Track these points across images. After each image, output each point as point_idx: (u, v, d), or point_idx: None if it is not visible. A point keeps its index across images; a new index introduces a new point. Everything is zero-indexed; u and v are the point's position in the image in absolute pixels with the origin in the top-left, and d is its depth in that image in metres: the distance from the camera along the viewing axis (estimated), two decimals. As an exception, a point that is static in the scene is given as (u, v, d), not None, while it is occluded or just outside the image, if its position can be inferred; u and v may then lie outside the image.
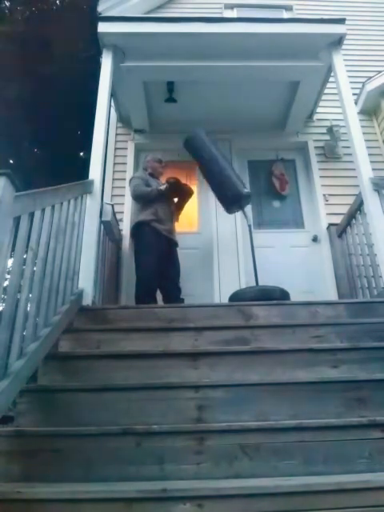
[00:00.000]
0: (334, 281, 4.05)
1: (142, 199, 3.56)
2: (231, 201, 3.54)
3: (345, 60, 3.71)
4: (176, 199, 3.80)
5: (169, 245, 3.56)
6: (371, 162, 3.28)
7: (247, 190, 3.54)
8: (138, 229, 3.50)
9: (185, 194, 3.81)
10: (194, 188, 4.00)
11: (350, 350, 2.15)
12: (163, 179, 3.84)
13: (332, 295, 3.96)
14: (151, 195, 3.52)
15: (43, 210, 1.99)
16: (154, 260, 3.38)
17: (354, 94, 4.03)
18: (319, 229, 4.37)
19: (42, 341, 1.85)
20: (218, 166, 3.53)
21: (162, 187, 3.56)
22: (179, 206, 3.84)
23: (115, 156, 4.64)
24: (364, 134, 3.46)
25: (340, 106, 3.59)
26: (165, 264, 3.48)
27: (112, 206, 3.63)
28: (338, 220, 4.01)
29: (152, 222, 3.45)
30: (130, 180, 3.73)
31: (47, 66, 6.47)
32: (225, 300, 3.47)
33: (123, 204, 4.34)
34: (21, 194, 1.70)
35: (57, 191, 2.22)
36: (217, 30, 3.68)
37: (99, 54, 3.76)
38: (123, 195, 4.40)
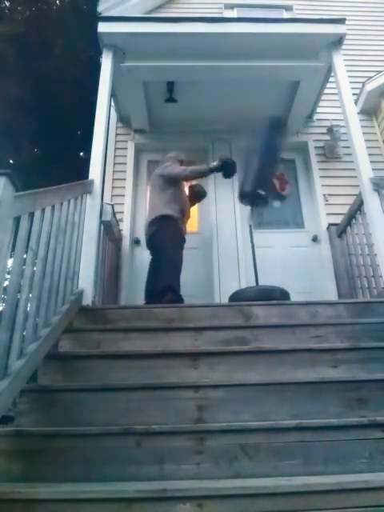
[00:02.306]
0: (333, 281, 4.05)
1: (188, 177, 3.54)
2: (244, 194, 3.54)
3: (345, 60, 3.71)
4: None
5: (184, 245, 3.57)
6: (371, 162, 3.28)
7: (262, 191, 3.52)
8: (165, 221, 3.38)
9: (201, 195, 3.82)
10: (193, 184, 3.98)
11: (350, 349, 2.15)
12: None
13: (332, 295, 3.96)
14: (201, 171, 3.51)
15: (43, 210, 1.99)
16: (181, 252, 3.38)
17: (354, 94, 4.03)
18: (319, 229, 4.37)
19: (41, 341, 1.85)
20: (255, 157, 3.50)
21: (214, 164, 3.51)
22: (192, 204, 3.85)
23: (115, 156, 4.63)
24: (364, 134, 3.46)
25: (340, 105, 3.59)
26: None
27: (112, 206, 3.63)
28: (338, 220, 4.01)
29: (178, 219, 3.44)
30: (166, 166, 3.59)
31: (47, 66, 6.47)
32: (225, 300, 3.47)
33: (123, 204, 4.34)
34: (21, 194, 1.70)
35: (57, 191, 2.22)
36: (217, 30, 3.68)
37: (99, 54, 3.76)
38: (123, 195, 4.41)
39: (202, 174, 3.56)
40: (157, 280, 3.22)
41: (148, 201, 3.73)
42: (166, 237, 3.32)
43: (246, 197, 3.54)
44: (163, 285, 3.14)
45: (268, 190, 3.48)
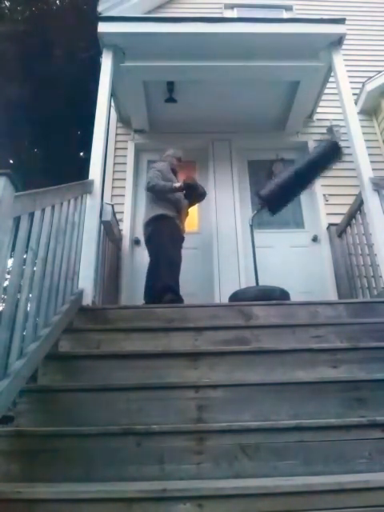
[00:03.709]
0: (333, 281, 4.05)
1: (155, 192, 3.46)
2: (263, 198, 3.49)
3: (345, 60, 3.71)
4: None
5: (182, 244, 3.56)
6: (371, 162, 3.28)
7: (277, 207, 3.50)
8: (161, 220, 3.38)
9: (199, 195, 3.81)
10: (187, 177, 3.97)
11: (350, 350, 2.15)
12: (181, 176, 3.83)
13: (332, 295, 3.96)
14: (165, 189, 3.44)
15: (43, 210, 1.99)
16: (179, 251, 3.38)
17: (354, 94, 4.03)
18: (319, 229, 4.37)
19: (41, 341, 1.85)
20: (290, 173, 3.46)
21: (177, 185, 3.49)
22: (189, 206, 3.84)
23: (115, 156, 4.64)
24: (364, 133, 3.46)
25: (340, 105, 3.59)
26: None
27: (112, 206, 3.63)
28: (338, 220, 4.01)
29: (175, 218, 3.44)
30: (149, 169, 3.61)
31: (47, 66, 6.47)
32: (225, 300, 3.47)
33: (123, 204, 4.35)
34: (21, 194, 1.70)
35: (57, 191, 2.22)
36: (217, 30, 3.68)
37: (99, 54, 3.76)
38: (123, 195, 4.41)
39: (164, 192, 3.46)
40: (156, 280, 3.21)
41: (145, 201, 3.73)
42: (163, 236, 3.33)
43: (260, 197, 3.52)
44: (162, 285, 3.14)
45: (278, 206, 3.46)
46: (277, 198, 3.42)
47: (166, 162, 3.72)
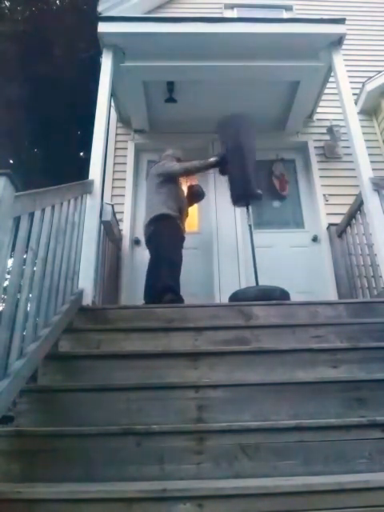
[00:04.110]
0: (334, 281, 4.05)
1: (191, 173, 3.52)
2: (240, 196, 3.52)
3: (345, 60, 3.71)
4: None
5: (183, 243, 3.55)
6: (371, 162, 3.28)
7: (259, 191, 3.51)
8: (162, 220, 3.36)
9: (199, 195, 3.81)
10: (192, 184, 3.98)
11: (350, 350, 2.15)
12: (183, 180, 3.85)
13: (332, 295, 3.96)
14: (202, 167, 3.51)
15: (43, 210, 1.99)
16: (180, 251, 3.38)
17: (354, 94, 4.03)
18: (319, 229, 4.37)
19: (41, 341, 1.85)
20: (240, 158, 3.47)
21: (212, 160, 3.53)
22: (191, 204, 3.83)
23: (115, 156, 4.64)
24: (364, 134, 3.46)
25: (340, 105, 3.59)
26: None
27: (112, 206, 3.63)
28: (338, 220, 4.01)
29: (177, 218, 3.42)
30: (162, 164, 3.58)
31: (47, 66, 6.47)
32: (225, 300, 3.47)
33: (123, 204, 4.34)
34: (21, 194, 1.70)
35: (57, 191, 2.22)
36: (217, 30, 3.68)
37: (99, 54, 3.76)
38: (123, 195, 4.41)
39: (200, 169, 3.55)
40: (156, 280, 3.21)
41: (145, 201, 3.73)
42: (164, 236, 3.32)
43: (238, 200, 3.53)
44: (163, 285, 3.14)
45: (255, 186, 3.45)
46: (251, 181, 3.44)
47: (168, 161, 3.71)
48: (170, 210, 3.39)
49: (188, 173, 3.53)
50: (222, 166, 3.57)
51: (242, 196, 3.50)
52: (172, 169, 3.50)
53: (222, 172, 3.64)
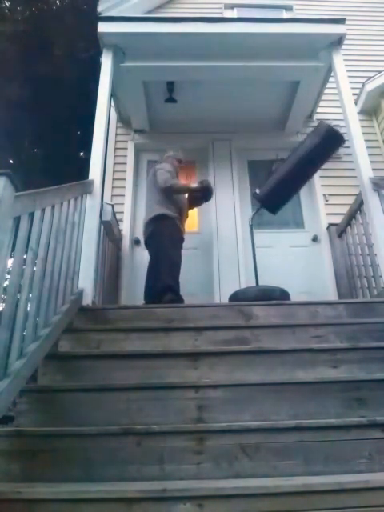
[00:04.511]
0: (333, 281, 4.05)
1: (172, 192, 3.44)
2: (260, 197, 3.48)
3: (345, 60, 3.71)
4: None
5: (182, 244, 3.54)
6: (371, 162, 3.28)
7: (276, 206, 3.50)
8: (161, 220, 3.36)
9: (209, 193, 3.79)
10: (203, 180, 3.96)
11: (350, 350, 2.15)
12: (181, 178, 3.83)
13: (332, 295, 3.95)
14: (183, 190, 3.51)
15: (43, 210, 1.99)
16: (179, 251, 3.38)
17: (354, 94, 4.03)
18: (319, 229, 4.37)
19: (41, 341, 1.85)
20: (287, 167, 3.39)
21: (194, 186, 3.57)
22: (192, 207, 3.83)
23: (115, 156, 4.63)
24: (364, 133, 3.46)
25: (340, 105, 3.59)
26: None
27: (112, 206, 3.63)
28: (338, 220, 4.01)
29: (176, 218, 3.42)
30: (157, 170, 3.55)
31: (47, 66, 6.47)
32: (225, 300, 3.47)
33: (123, 204, 4.34)
34: (21, 194, 1.70)
35: (57, 191, 2.22)
36: (217, 30, 3.68)
37: (99, 54, 3.76)
38: (123, 195, 4.41)
39: (181, 192, 3.56)
40: (156, 280, 3.21)
41: (145, 200, 3.73)
42: (163, 236, 3.32)
43: (257, 198, 3.50)
44: (162, 285, 3.14)
45: (278, 204, 3.43)
46: (276, 196, 3.40)
47: (169, 164, 3.69)
48: (169, 211, 3.39)
49: (169, 191, 3.43)
50: (204, 193, 3.63)
51: (260, 197, 3.47)
52: (159, 180, 3.44)
53: (204, 199, 3.71)
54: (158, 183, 3.44)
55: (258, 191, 3.43)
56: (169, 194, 3.43)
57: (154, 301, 3.07)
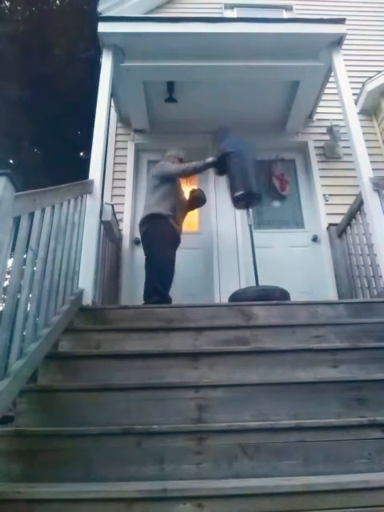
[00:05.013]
0: (333, 281, 4.05)
1: (189, 174, 3.49)
2: (240, 197, 3.47)
3: (345, 60, 3.71)
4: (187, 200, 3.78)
5: (177, 244, 3.51)
6: (371, 162, 3.28)
7: (258, 192, 3.51)
8: (155, 220, 3.36)
9: (200, 200, 3.80)
10: (194, 188, 3.99)
11: (350, 349, 2.15)
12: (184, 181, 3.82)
13: (332, 295, 3.96)
14: (198, 167, 3.47)
15: (43, 210, 1.99)
16: (171, 251, 3.33)
17: (354, 94, 4.03)
18: (319, 229, 4.37)
19: (41, 341, 1.85)
20: (240, 161, 3.45)
21: (209, 160, 3.50)
22: (189, 210, 3.82)
23: (115, 156, 4.63)
24: (364, 134, 3.46)
25: (340, 105, 3.59)
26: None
27: (112, 206, 3.63)
28: (338, 220, 4.01)
29: (169, 217, 3.38)
30: (159, 167, 3.58)
31: (47, 66, 6.47)
32: (225, 300, 3.47)
33: (123, 204, 4.34)
34: (21, 194, 1.70)
35: (57, 191, 2.22)
36: (217, 30, 3.68)
37: (99, 54, 3.76)
38: (123, 195, 4.41)
39: (197, 169, 3.52)
40: (146, 281, 3.26)
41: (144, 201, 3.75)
42: (155, 236, 3.33)
43: (238, 201, 3.51)
44: (148, 287, 3.20)
45: (253, 187, 3.43)
46: (249, 181, 3.41)
47: (170, 162, 3.68)
48: (162, 210, 3.37)
49: (185, 173, 3.51)
50: (220, 165, 3.55)
51: (241, 196, 3.48)
52: (168, 169, 3.50)
53: (220, 172, 3.63)
54: (171, 172, 3.48)
55: (247, 189, 3.42)
56: (186, 175, 3.46)
57: (146, 302, 3.12)
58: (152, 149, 4.67)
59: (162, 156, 3.86)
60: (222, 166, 3.55)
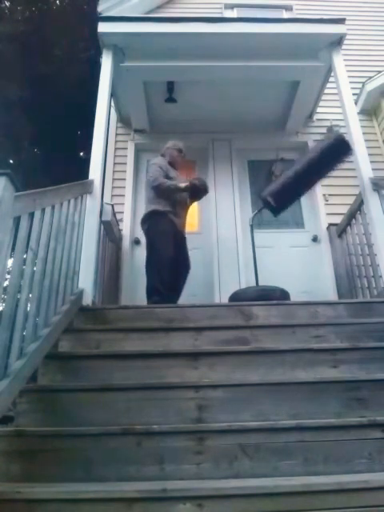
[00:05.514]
0: (333, 281, 4.05)
1: (159, 192, 3.36)
2: (267, 202, 3.39)
3: (345, 60, 3.71)
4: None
5: (180, 239, 3.47)
6: (371, 162, 3.28)
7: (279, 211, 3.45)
8: (153, 217, 3.33)
9: (201, 192, 3.73)
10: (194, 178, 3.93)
11: (350, 349, 2.15)
12: (182, 172, 3.74)
13: (332, 295, 3.96)
14: (170, 189, 3.35)
15: (43, 210, 1.99)
16: (171, 248, 3.27)
17: (354, 94, 4.03)
18: (319, 229, 4.37)
19: (41, 341, 1.85)
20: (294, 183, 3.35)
21: (183, 185, 3.40)
22: (191, 201, 3.77)
23: (115, 156, 4.64)
24: (364, 133, 3.46)
25: (340, 105, 3.59)
26: (176, 257, 3.36)
27: (112, 206, 3.63)
28: (338, 220, 4.01)
29: (169, 213, 3.34)
30: (149, 166, 3.53)
31: (47, 66, 6.48)
32: (225, 300, 3.47)
33: (123, 204, 4.35)
34: (21, 194, 1.70)
35: (57, 191, 2.22)
36: (217, 30, 3.68)
37: (99, 54, 3.76)
38: (123, 195, 4.41)
39: (171, 190, 3.39)
40: (147, 281, 3.25)
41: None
42: (154, 235, 3.31)
43: (264, 200, 3.44)
44: (148, 287, 3.19)
45: (282, 207, 3.38)
46: (282, 198, 3.35)
47: (165, 157, 3.64)
48: (160, 206, 3.34)
49: (158, 188, 3.37)
50: (193, 191, 3.47)
51: (267, 203, 3.38)
52: (149, 176, 3.43)
53: (192, 197, 3.56)
54: (148, 179, 3.44)
55: (265, 192, 3.38)
56: (161, 193, 3.37)
57: (147, 301, 3.12)
58: (152, 149, 4.66)
59: (162, 148, 3.78)
60: (194, 192, 3.49)
